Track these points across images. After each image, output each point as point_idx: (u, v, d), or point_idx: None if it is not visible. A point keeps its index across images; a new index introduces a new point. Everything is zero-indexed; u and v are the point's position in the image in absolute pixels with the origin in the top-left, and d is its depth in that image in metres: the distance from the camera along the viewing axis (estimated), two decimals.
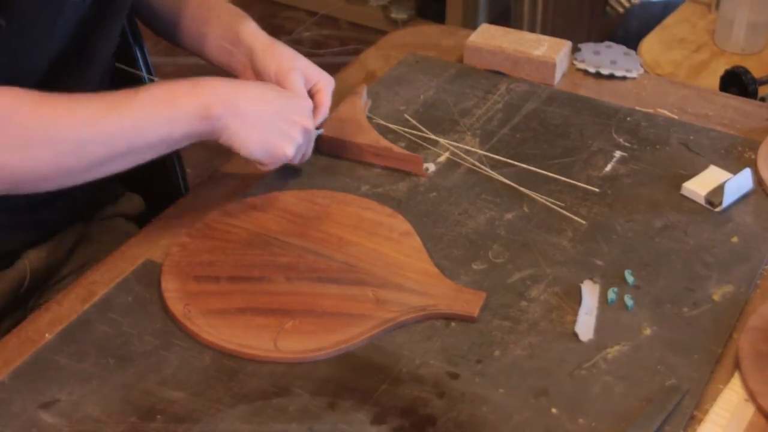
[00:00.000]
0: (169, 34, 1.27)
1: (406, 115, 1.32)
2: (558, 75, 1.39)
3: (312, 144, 1.19)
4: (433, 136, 1.28)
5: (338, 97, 1.31)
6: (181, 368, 0.95)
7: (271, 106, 1.09)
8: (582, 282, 1.05)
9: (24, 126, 0.95)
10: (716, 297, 1.04)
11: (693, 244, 1.11)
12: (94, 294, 1.04)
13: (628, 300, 1.03)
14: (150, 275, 1.06)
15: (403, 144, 1.26)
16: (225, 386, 0.94)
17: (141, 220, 1.29)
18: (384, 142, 1.24)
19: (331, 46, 3.22)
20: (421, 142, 1.26)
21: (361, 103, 1.31)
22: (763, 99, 1.68)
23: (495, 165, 1.23)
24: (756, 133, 1.29)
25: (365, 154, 1.23)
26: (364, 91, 1.33)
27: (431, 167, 1.23)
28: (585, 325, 1.00)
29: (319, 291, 1.03)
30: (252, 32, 1.21)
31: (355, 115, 1.28)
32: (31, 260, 1.15)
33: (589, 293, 1.04)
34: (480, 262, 1.09)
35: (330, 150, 1.24)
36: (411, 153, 1.23)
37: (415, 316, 1.01)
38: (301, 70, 1.17)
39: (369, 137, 1.24)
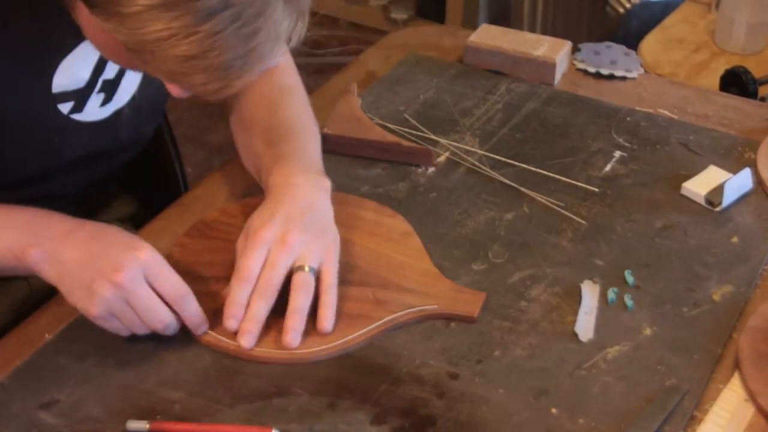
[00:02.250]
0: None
1: (406, 115, 1.32)
2: (558, 75, 1.39)
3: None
4: (433, 137, 1.28)
5: (334, 98, 1.32)
6: (181, 368, 0.95)
7: (87, 253, 0.93)
8: (582, 282, 1.05)
9: None
10: (716, 297, 1.04)
11: (693, 244, 1.11)
12: None
13: (628, 300, 1.03)
14: None
15: None
16: (225, 386, 0.94)
17: (137, 221, 1.29)
18: (391, 137, 1.24)
19: (331, 46, 3.22)
20: (421, 143, 1.26)
21: (357, 100, 1.31)
22: (763, 99, 1.68)
23: (495, 165, 1.23)
24: (756, 133, 1.29)
25: (372, 150, 1.24)
26: (355, 88, 1.33)
27: (431, 167, 1.23)
28: (585, 325, 1.00)
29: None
30: (268, 186, 1.07)
31: (354, 112, 1.28)
32: (31, 278, 1.15)
33: (589, 293, 1.04)
34: (480, 262, 1.09)
35: (335, 148, 1.24)
36: (421, 146, 1.24)
37: (415, 316, 1.01)
38: (243, 237, 1.01)
39: (374, 133, 1.25)
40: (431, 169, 1.22)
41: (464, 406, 0.92)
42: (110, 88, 1.06)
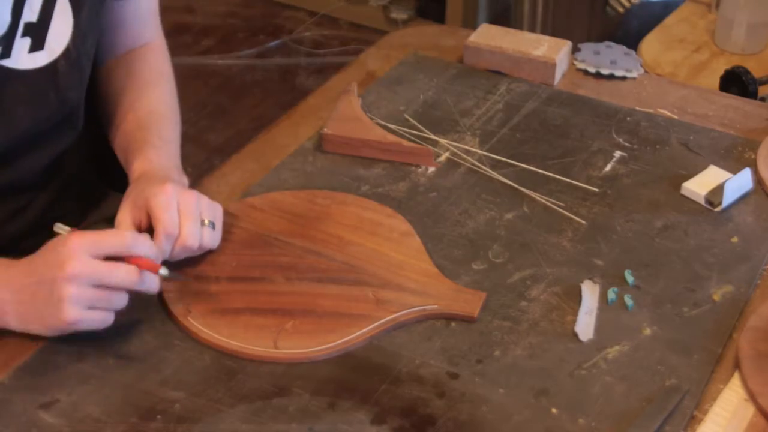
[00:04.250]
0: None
1: (406, 115, 1.32)
2: (558, 75, 1.39)
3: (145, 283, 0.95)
4: (433, 137, 1.28)
5: (334, 98, 1.32)
6: (181, 368, 0.95)
7: (32, 276, 0.91)
8: (582, 282, 1.05)
9: None
10: (716, 297, 1.04)
11: (693, 244, 1.11)
12: None
13: (628, 300, 1.03)
14: None
15: None
16: (225, 386, 0.94)
17: None
18: (391, 137, 1.24)
19: (331, 46, 3.22)
20: (421, 143, 1.26)
21: (357, 100, 1.31)
22: (763, 99, 1.68)
23: (495, 165, 1.23)
24: (756, 133, 1.29)
25: (372, 150, 1.24)
26: (355, 88, 1.33)
27: (431, 167, 1.23)
28: (585, 325, 1.00)
29: (319, 291, 1.03)
30: (134, 170, 1.10)
31: (354, 112, 1.28)
32: None
33: (589, 293, 1.04)
34: (480, 262, 1.09)
35: (334, 148, 1.24)
36: (421, 146, 1.24)
37: (415, 316, 1.01)
38: (130, 201, 1.03)
39: (375, 133, 1.25)
40: (431, 169, 1.22)
41: (464, 405, 0.92)
42: (36, 33, 1.03)
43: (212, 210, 1.05)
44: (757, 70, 1.73)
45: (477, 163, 1.23)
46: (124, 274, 0.93)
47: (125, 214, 1.02)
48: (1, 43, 1.01)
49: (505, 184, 1.20)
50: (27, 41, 1.03)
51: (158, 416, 0.91)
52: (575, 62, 1.43)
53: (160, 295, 1.02)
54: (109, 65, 1.22)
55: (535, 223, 1.14)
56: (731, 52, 1.96)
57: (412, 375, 0.95)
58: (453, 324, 1.01)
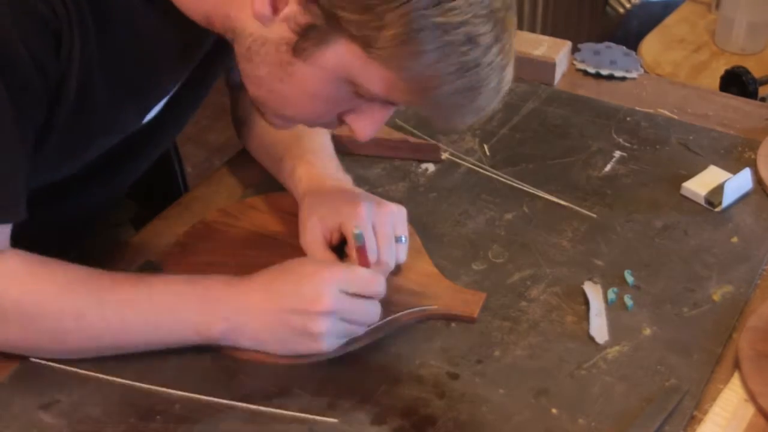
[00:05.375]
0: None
1: (406, 115, 1.32)
2: (558, 75, 1.39)
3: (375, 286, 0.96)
4: (433, 137, 1.28)
5: None
6: (181, 368, 0.95)
7: (279, 304, 0.93)
8: (581, 282, 1.05)
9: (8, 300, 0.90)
10: (716, 297, 1.04)
11: (693, 244, 1.11)
12: None
13: (628, 300, 1.03)
14: None
15: None
16: (225, 386, 0.94)
17: (137, 221, 1.29)
18: (397, 134, 1.24)
19: None
20: (427, 138, 1.26)
21: None
22: (763, 99, 1.68)
23: (495, 165, 1.23)
24: (756, 133, 1.29)
25: (378, 147, 1.23)
26: None
27: (431, 167, 1.23)
28: (598, 327, 1.00)
29: None
30: (299, 176, 1.10)
31: None
32: None
33: (594, 295, 1.04)
34: (480, 262, 1.09)
35: (341, 146, 1.24)
36: (428, 141, 1.23)
37: (415, 316, 1.01)
38: (318, 218, 1.03)
39: (380, 131, 1.24)
40: (431, 170, 1.22)
41: (464, 406, 0.92)
42: None
43: (401, 218, 1.05)
44: (757, 70, 1.73)
45: (477, 163, 1.23)
46: (372, 312, 0.95)
47: (317, 238, 1.03)
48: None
49: (505, 184, 1.20)
50: None
51: (158, 416, 0.91)
52: (575, 62, 1.43)
53: None
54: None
55: (535, 224, 1.14)
56: (731, 52, 1.96)
57: (412, 375, 0.95)
58: (453, 324, 1.01)
